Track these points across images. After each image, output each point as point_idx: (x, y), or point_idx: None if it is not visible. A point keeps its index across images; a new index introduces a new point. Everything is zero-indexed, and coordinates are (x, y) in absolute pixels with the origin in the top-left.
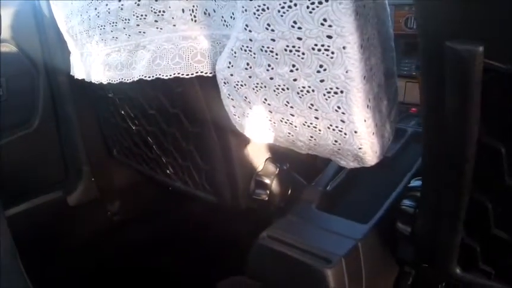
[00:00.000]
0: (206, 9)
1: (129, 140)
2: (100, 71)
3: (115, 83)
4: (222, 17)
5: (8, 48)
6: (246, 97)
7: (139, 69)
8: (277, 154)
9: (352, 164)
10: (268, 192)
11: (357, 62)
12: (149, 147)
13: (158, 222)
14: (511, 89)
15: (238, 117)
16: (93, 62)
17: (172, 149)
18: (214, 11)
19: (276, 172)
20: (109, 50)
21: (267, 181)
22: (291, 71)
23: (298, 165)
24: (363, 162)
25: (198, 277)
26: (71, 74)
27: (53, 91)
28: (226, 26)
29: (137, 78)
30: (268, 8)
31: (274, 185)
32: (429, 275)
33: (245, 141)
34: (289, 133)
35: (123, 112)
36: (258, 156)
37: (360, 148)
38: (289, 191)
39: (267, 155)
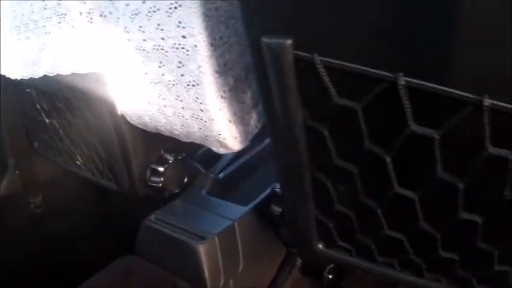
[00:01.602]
0: (102, 12)
1: (45, 133)
2: (16, 68)
3: (27, 78)
4: (118, 18)
5: None
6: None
7: (44, 66)
8: (175, 144)
9: (221, 150)
10: (162, 179)
11: (207, 58)
12: (61, 139)
13: (80, 214)
14: (320, 76)
15: (127, 108)
16: (12, 58)
17: (78, 141)
18: (111, 13)
19: (170, 161)
20: (23, 48)
21: (161, 169)
22: (159, 66)
23: (200, 155)
24: (227, 147)
25: None
26: None
27: None
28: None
29: (42, 75)
30: (140, 13)
31: (168, 173)
32: (310, 256)
33: (140, 132)
34: (165, 122)
35: (38, 106)
36: (154, 146)
37: (219, 134)
38: (186, 179)
39: (165, 145)
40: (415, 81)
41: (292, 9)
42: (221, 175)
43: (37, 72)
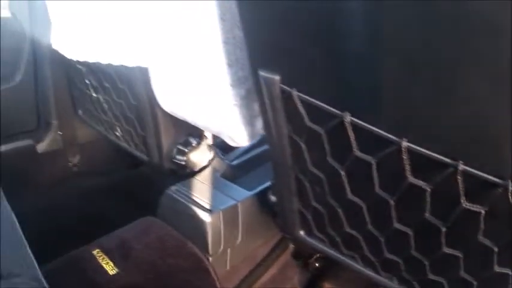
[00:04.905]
0: None
1: (91, 104)
2: (70, 48)
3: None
4: None
5: (4, 12)
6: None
7: (98, 55)
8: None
9: (232, 143)
10: (185, 158)
11: (224, 74)
12: (104, 112)
13: (111, 177)
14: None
15: (161, 96)
16: (68, 39)
17: (119, 115)
18: None
19: (194, 144)
20: (81, 33)
21: (185, 150)
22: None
23: (220, 142)
24: (236, 142)
25: None
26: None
27: (35, 53)
28: None
29: (94, 61)
30: None
31: (191, 154)
32: (294, 241)
33: (170, 117)
34: (192, 115)
35: (87, 81)
36: (181, 130)
37: (230, 132)
38: (206, 161)
39: (191, 130)
40: (356, 120)
41: (281, 48)
42: (235, 162)
43: (90, 58)
